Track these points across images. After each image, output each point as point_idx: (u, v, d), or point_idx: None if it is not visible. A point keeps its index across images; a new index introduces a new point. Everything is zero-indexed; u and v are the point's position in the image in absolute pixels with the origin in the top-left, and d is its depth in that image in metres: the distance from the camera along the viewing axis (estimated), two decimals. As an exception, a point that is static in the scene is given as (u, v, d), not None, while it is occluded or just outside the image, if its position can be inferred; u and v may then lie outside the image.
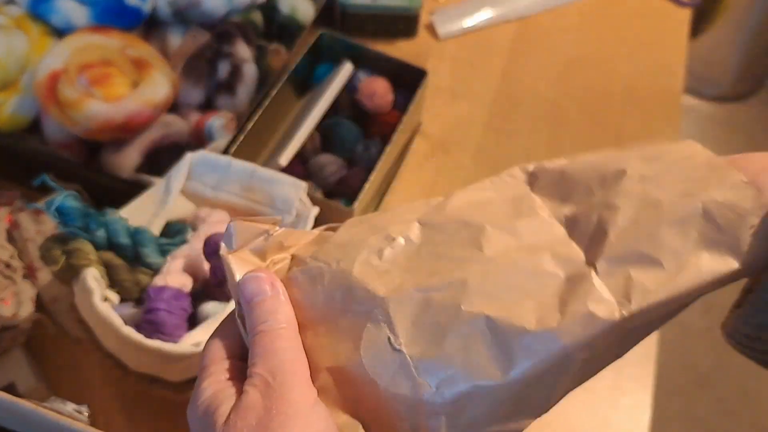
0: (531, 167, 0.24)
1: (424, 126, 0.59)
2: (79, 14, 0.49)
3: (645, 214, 0.20)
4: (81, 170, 0.46)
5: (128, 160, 0.46)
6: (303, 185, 0.43)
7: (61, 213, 0.37)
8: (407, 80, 0.53)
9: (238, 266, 0.22)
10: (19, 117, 0.47)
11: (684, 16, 0.70)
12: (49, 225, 0.45)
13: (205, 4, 0.51)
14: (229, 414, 0.19)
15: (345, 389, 0.20)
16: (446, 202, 0.23)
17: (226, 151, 0.46)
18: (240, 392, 0.20)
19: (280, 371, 0.20)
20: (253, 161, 0.44)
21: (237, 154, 0.45)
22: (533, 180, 0.23)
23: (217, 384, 0.21)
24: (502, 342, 0.19)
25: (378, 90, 0.52)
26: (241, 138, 0.47)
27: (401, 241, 0.22)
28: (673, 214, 0.20)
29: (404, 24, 0.63)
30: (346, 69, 0.52)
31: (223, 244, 0.22)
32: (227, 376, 0.21)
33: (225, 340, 0.22)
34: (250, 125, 0.48)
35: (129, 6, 0.49)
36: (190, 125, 0.49)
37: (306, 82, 0.56)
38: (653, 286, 0.19)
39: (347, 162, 0.51)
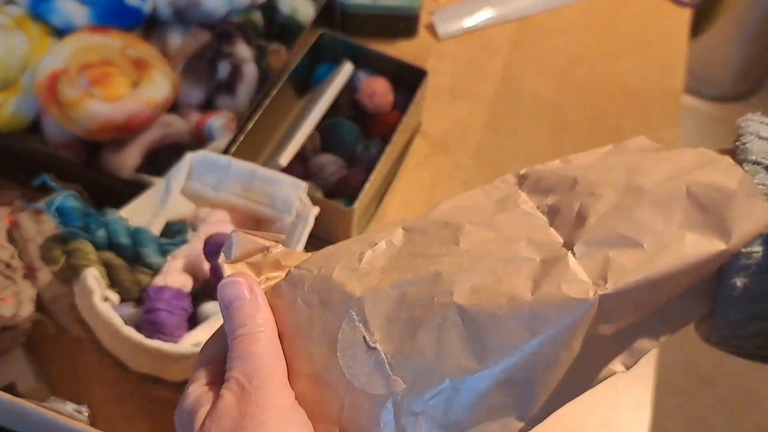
0: (523, 171, 0.23)
1: (424, 126, 0.59)
2: (80, 14, 0.49)
3: (627, 199, 0.20)
4: (81, 170, 0.46)
5: (128, 160, 0.46)
6: (303, 185, 0.43)
7: (61, 213, 0.38)
8: (407, 80, 0.53)
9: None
10: (20, 117, 0.47)
11: (684, 16, 0.70)
12: (50, 225, 0.45)
13: (205, 4, 0.51)
14: (204, 420, 0.19)
15: (323, 396, 0.20)
16: (433, 208, 0.23)
17: (226, 151, 0.46)
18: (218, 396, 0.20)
19: (256, 375, 0.20)
20: (253, 161, 0.44)
21: (237, 154, 0.45)
22: (522, 180, 0.23)
23: (200, 388, 0.21)
24: (474, 331, 0.18)
25: (378, 90, 0.52)
26: (242, 138, 0.47)
27: (383, 245, 0.22)
28: (656, 196, 0.20)
29: (404, 24, 0.64)
30: (346, 69, 0.52)
31: (222, 253, 0.22)
32: (211, 380, 0.21)
33: (217, 344, 0.22)
34: (250, 125, 0.48)
35: (129, 6, 0.49)
36: (190, 125, 0.49)
37: (306, 82, 0.56)
38: (632, 267, 0.18)
39: (347, 162, 0.51)
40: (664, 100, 0.63)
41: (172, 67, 0.50)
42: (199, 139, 0.49)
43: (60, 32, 0.49)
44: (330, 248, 0.23)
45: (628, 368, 0.20)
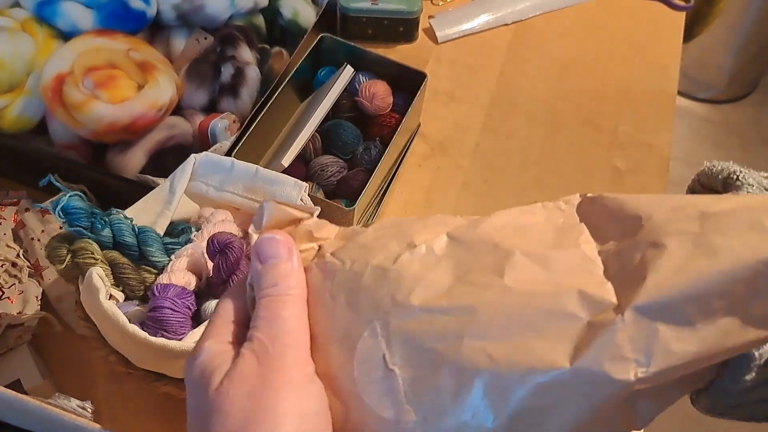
0: (591, 195, 0.21)
1: (423, 127, 0.60)
2: (85, 18, 0.49)
3: (695, 263, 0.17)
4: (87, 171, 0.46)
5: (133, 161, 0.47)
6: (304, 186, 0.43)
7: (67, 213, 0.38)
8: (407, 83, 0.54)
9: None
10: (26, 118, 0.48)
11: (678, 19, 0.71)
12: (55, 224, 0.46)
13: (209, 8, 0.52)
14: (222, 380, 0.19)
15: (330, 401, 0.19)
16: (484, 219, 0.21)
17: (229, 153, 0.47)
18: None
19: (280, 341, 0.19)
20: (255, 162, 0.44)
21: (240, 156, 0.46)
22: (588, 207, 0.20)
23: (218, 345, 0.20)
24: (500, 386, 0.17)
25: (378, 92, 0.53)
26: (244, 139, 0.48)
27: (423, 249, 0.20)
28: (727, 267, 0.17)
29: (404, 28, 0.64)
30: (347, 72, 0.52)
31: (252, 224, 0.21)
32: (230, 339, 0.20)
33: (236, 302, 0.21)
34: (252, 127, 0.49)
35: (133, 10, 0.50)
36: (194, 127, 0.50)
37: (308, 85, 0.57)
38: (678, 349, 0.17)
39: (348, 163, 0.52)
40: (659, 103, 0.64)
41: (176, 69, 0.50)
42: (203, 141, 0.49)
43: (65, 35, 0.49)
44: (368, 235, 0.21)
45: (640, 429, 0.19)
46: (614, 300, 0.17)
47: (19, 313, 0.42)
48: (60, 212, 0.38)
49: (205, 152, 0.44)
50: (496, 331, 0.18)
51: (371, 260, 0.20)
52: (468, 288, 0.19)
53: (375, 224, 0.22)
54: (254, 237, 0.21)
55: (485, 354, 0.18)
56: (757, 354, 0.18)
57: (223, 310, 0.21)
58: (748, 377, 0.19)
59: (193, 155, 0.43)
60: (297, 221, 0.22)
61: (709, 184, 0.24)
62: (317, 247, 0.22)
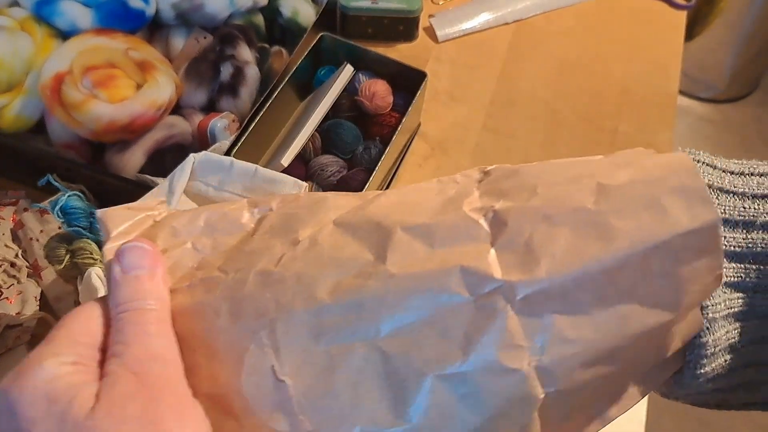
0: (489, 167, 0.20)
1: (423, 127, 0.59)
2: (84, 17, 0.49)
3: (588, 246, 0.16)
4: (85, 170, 0.46)
5: (132, 160, 0.47)
6: (304, 185, 0.43)
7: (66, 213, 0.38)
8: (407, 82, 0.54)
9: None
10: (24, 118, 0.48)
11: (679, 18, 0.71)
12: (54, 224, 0.45)
13: (208, 7, 0.52)
14: (100, 400, 0.16)
15: (221, 422, 0.18)
16: (375, 199, 0.19)
17: (228, 152, 0.47)
18: (99, 378, 0.17)
19: (160, 357, 0.17)
20: (255, 162, 0.44)
21: (239, 155, 0.46)
22: (485, 177, 0.20)
23: (65, 366, 0.17)
24: (396, 383, 0.17)
25: (378, 92, 0.53)
26: (244, 139, 0.48)
27: (306, 244, 0.18)
28: (621, 253, 0.16)
29: (404, 27, 0.64)
30: (347, 71, 0.52)
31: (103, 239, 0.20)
32: (76, 360, 0.17)
33: (88, 320, 0.18)
34: (252, 126, 0.49)
35: (133, 9, 0.50)
36: (193, 126, 0.50)
37: (307, 85, 0.57)
38: (574, 336, 0.16)
39: (348, 162, 0.52)
40: (660, 102, 0.64)
41: (175, 69, 0.50)
42: (202, 140, 0.49)
43: (64, 34, 0.49)
44: (255, 240, 0.19)
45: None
46: (498, 275, 0.17)
47: (18, 313, 0.42)
48: (59, 212, 0.38)
49: (204, 152, 0.44)
50: (387, 326, 0.17)
51: (255, 266, 0.19)
52: (353, 280, 0.17)
53: (264, 224, 0.20)
54: (106, 252, 0.19)
55: (379, 352, 0.17)
56: (710, 340, 0.18)
57: (69, 327, 0.18)
58: (703, 371, 0.19)
59: (192, 155, 0.43)
60: (150, 218, 0.20)
61: None
62: (190, 243, 0.20)
